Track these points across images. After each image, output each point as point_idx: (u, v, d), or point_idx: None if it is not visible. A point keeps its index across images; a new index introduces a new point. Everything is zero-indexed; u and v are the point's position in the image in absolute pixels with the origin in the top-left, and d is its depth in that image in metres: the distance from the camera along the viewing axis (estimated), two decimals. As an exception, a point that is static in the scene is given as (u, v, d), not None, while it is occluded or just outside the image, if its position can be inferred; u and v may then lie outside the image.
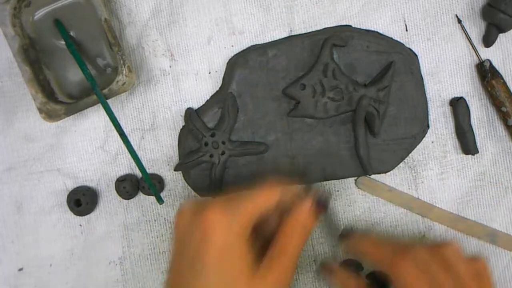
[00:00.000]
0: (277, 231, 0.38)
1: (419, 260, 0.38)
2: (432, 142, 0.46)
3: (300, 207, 0.38)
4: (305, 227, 0.38)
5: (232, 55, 0.46)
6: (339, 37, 0.44)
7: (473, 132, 0.45)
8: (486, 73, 0.44)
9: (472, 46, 0.45)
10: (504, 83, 0.44)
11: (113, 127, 0.44)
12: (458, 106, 0.45)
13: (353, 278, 0.42)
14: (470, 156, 0.46)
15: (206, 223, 0.35)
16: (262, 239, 0.39)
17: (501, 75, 0.44)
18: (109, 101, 0.43)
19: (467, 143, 0.45)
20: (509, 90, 0.44)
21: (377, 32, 0.46)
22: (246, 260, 0.36)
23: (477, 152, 0.45)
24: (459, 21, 0.45)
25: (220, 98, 0.46)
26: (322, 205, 0.39)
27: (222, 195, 0.39)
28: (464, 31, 0.45)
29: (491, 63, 0.45)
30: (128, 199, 0.47)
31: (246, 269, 0.35)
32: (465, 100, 0.45)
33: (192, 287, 0.35)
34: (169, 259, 0.39)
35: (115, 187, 0.46)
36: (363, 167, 0.45)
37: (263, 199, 0.37)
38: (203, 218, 0.36)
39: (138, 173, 0.47)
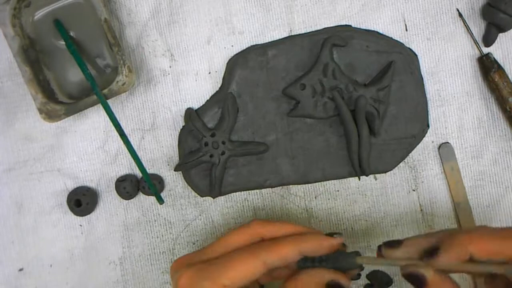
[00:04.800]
0: None
1: None
2: (432, 142, 0.46)
3: None
4: None
5: (232, 55, 0.46)
6: (339, 37, 0.44)
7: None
8: (492, 64, 0.44)
9: (474, 40, 0.45)
10: (507, 76, 0.44)
11: (113, 127, 0.44)
12: None
13: None
14: (470, 156, 0.46)
15: None
16: None
17: (503, 69, 0.44)
18: (109, 101, 0.43)
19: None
20: None
21: (377, 32, 0.45)
22: None
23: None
24: (460, 15, 0.45)
25: (220, 98, 0.46)
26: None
27: (202, 261, 0.35)
28: (465, 25, 0.45)
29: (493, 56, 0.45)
30: (128, 199, 0.47)
31: None
32: None
33: None
34: None
35: (115, 187, 0.46)
36: (361, 167, 0.45)
37: (242, 271, 0.31)
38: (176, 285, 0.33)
39: (138, 173, 0.47)
